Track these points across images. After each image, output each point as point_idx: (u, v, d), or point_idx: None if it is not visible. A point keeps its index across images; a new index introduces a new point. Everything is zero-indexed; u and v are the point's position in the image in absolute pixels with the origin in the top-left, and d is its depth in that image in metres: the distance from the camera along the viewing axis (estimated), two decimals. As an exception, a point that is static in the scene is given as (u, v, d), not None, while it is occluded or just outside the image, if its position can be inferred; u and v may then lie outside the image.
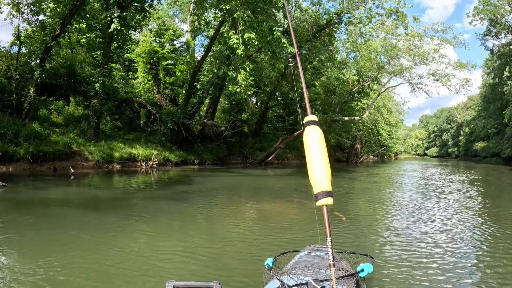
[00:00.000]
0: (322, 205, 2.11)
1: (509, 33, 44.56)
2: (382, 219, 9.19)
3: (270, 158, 33.39)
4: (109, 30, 21.28)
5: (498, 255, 5.97)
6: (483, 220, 9.07)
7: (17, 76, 21.91)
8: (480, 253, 6.23)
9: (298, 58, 3.01)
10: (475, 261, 5.73)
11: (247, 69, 24.27)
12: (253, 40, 19.55)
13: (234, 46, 19.72)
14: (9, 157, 16.87)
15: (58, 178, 15.83)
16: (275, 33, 19.82)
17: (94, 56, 25.83)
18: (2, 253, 5.35)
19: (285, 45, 20.07)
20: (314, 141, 2.21)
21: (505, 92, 50.58)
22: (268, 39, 20.32)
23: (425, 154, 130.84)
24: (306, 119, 2.34)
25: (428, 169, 34.15)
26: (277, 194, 14.87)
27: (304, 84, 2.74)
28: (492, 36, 46.62)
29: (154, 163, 23.93)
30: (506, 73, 49.94)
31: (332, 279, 2.23)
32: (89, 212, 8.87)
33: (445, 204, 11.54)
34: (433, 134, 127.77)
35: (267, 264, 3.64)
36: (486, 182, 21.85)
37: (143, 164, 23.37)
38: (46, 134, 19.69)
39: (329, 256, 2.07)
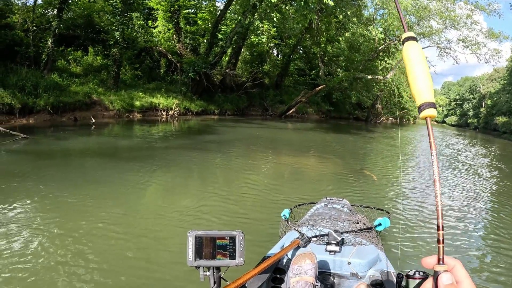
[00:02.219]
0: (426, 117, 1.79)
1: None
2: (400, 181, 9.28)
3: (290, 112, 33.00)
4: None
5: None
6: (496, 191, 9.25)
7: (34, 28, 21.34)
8: (489, 219, 6.57)
9: None
10: (484, 224, 6.12)
11: (275, 19, 23.53)
12: None
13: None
14: (29, 109, 16.52)
15: (79, 128, 15.65)
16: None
17: (113, 3, 25.24)
18: (25, 207, 5.30)
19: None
20: (415, 55, 1.78)
21: None
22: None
23: (444, 122, 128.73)
24: (405, 35, 1.98)
25: (447, 137, 33.37)
26: (296, 147, 14.81)
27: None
28: None
29: (175, 112, 23.68)
30: None
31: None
32: (110, 164, 8.73)
33: (461, 174, 11.51)
34: (454, 102, 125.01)
35: (284, 215, 3.61)
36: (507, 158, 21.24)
37: (164, 113, 23.20)
38: (66, 85, 19.30)
39: (434, 170, 1.71)
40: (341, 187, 7.78)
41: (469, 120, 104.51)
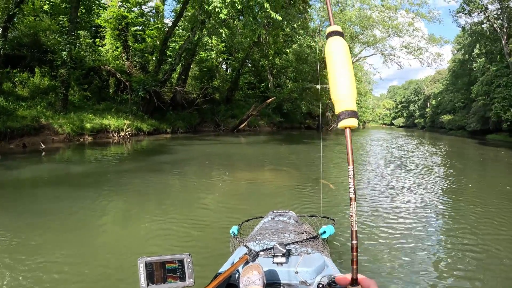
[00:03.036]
0: (346, 127, 1.74)
1: (482, 12, 45.45)
2: (346, 184, 9.36)
3: (242, 126, 33.23)
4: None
5: (457, 215, 6.74)
6: (445, 187, 9.76)
7: (-22, 49, 20.61)
8: (434, 216, 6.87)
9: None
10: (434, 225, 6.29)
11: (223, 35, 23.73)
12: (236, 4, 19.12)
13: (217, 9, 19.18)
14: (-26, 137, 16.10)
15: (29, 155, 15.21)
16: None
17: (60, 22, 24.73)
18: None
19: (267, 9, 19.61)
20: (338, 53, 1.78)
21: (474, 69, 52.20)
22: (251, 3, 19.89)
23: (392, 124, 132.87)
24: (329, 29, 1.88)
25: (397, 139, 34.46)
26: (250, 162, 15.00)
27: None
28: (465, 14, 47.48)
29: (127, 133, 23.48)
30: (476, 51, 51.51)
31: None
32: (62, 192, 8.55)
33: (410, 171, 12.18)
34: (401, 105, 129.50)
35: (233, 232, 3.68)
36: (458, 154, 22.24)
37: (115, 134, 22.92)
38: (12, 109, 18.72)
39: (350, 188, 1.70)
40: (294, 199, 7.98)
41: (416, 121, 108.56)
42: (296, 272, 2.75)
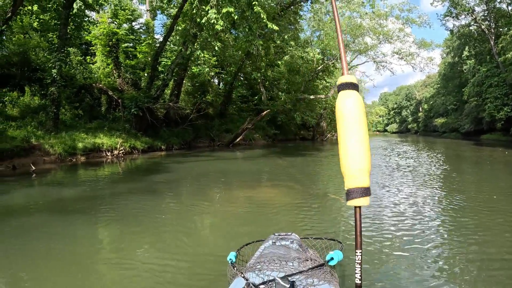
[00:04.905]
0: (356, 206, 1.57)
1: (469, 14, 46.25)
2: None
3: (238, 140, 32.89)
4: (73, 11, 20.13)
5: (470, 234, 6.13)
6: (450, 194, 9.39)
7: (-35, 68, 20.18)
8: (448, 229, 6.45)
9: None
10: (445, 239, 5.89)
11: (216, 48, 23.46)
12: (233, 15, 18.88)
13: (213, 21, 18.90)
14: (-39, 159, 15.56)
15: (19, 178, 14.71)
16: (255, 7, 19.14)
17: (50, 39, 24.36)
18: None
19: (264, 20, 19.34)
20: (352, 114, 1.59)
21: (464, 71, 53.32)
22: (246, 14, 19.65)
23: (385, 130, 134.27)
24: (341, 79, 1.73)
25: (392, 145, 34.37)
26: (248, 177, 14.63)
27: (341, 35, 2.19)
28: (453, 17, 48.34)
29: (120, 152, 23.05)
30: (465, 53, 52.89)
31: None
32: (53, 218, 8.18)
33: (412, 181, 11.79)
34: (393, 111, 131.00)
35: (230, 259, 3.32)
36: (458, 157, 22.10)
37: (109, 153, 22.49)
38: (2, 129, 18.28)
39: (356, 274, 1.78)
40: (296, 218, 7.56)
41: (409, 126, 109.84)
42: None
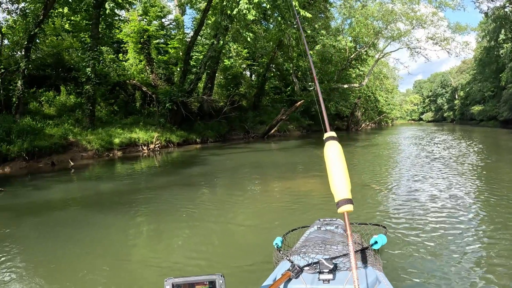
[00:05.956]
0: (344, 212, 2.22)
1: None
2: (392, 188, 9.03)
3: (273, 131, 32.63)
4: (106, 11, 20.33)
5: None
6: (491, 186, 8.78)
7: (2, 70, 20.57)
8: (487, 218, 6.13)
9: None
10: (484, 228, 5.62)
11: (248, 39, 23.29)
12: (264, 3, 18.70)
13: (244, 12, 18.74)
14: (2, 157, 15.73)
15: (58, 174, 14.84)
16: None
17: (82, 39, 24.69)
18: (7, 276, 4.70)
19: (296, 8, 19.04)
20: (334, 155, 2.37)
21: (501, 55, 50.79)
22: (278, 2, 19.44)
23: (420, 119, 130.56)
24: (326, 135, 2.49)
25: (429, 135, 33.12)
26: (283, 168, 14.43)
27: (323, 103, 2.85)
28: None
29: (156, 146, 23.15)
30: (501, 36, 49.96)
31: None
32: (93, 212, 8.13)
33: (451, 170, 11.22)
34: (428, 99, 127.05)
35: (276, 243, 3.50)
36: (498, 147, 21.30)
37: (145, 148, 22.63)
38: (40, 128, 18.48)
39: (351, 258, 2.05)
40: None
41: (445, 114, 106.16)
42: None
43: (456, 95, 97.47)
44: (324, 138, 2.49)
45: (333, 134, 2.46)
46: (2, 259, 5.25)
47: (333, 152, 2.38)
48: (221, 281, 1.79)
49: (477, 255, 4.47)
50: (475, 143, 20.61)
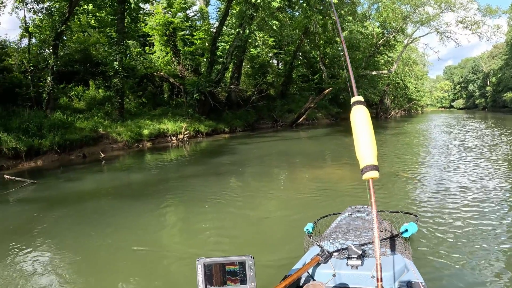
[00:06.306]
0: (368, 178, 2.16)
1: None
2: (422, 178, 8.81)
3: (301, 119, 32.38)
4: (131, 6, 20.49)
5: None
6: None
7: (32, 68, 21.05)
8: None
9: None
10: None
11: (274, 27, 23.12)
12: None
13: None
14: (35, 151, 15.92)
15: (89, 165, 15.03)
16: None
17: (108, 34, 24.94)
18: (41, 263, 4.84)
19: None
20: (361, 120, 2.29)
21: None
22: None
23: (451, 107, 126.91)
24: (353, 99, 2.40)
25: (460, 123, 32.12)
26: (312, 157, 14.33)
27: (350, 66, 2.67)
28: None
29: (185, 136, 23.27)
30: None
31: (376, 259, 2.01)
32: (125, 202, 8.23)
33: (483, 161, 10.80)
34: (459, 86, 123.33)
35: (307, 229, 3.64)
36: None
37: (174, 138, 22.72)
38: (70, 122, 18.83)
39: (373, 226, 2.02)
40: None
41: (477, 101, 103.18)
42: (372, 277, 2.57)
43: (488, 81, 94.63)
44: (351, 103, 2.45)
45: (360, 98, 2.40)
46: (39, 247, 5.35)
47: (360, 117, 2.31)
48: (250, 262, 1.84)
49: (510, 254, 4.30)
50: (509, 132, 19.85)
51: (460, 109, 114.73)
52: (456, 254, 4.26)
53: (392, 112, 56.62)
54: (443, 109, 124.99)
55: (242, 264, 1.85)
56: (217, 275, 1.83)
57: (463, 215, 5.58)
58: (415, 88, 70.13)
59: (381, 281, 1.67)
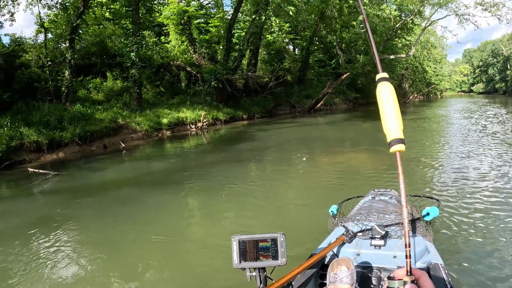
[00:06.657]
0: (395, 151, 2.16)
1: None
2: (442, 164, 8.83)
3: (319, 105, 32.15)
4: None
5: None
6: None
7: (49, 63, 21.29)
8: None
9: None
10: None
11: (290, 13, 22.92)
12: None
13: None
14: (56, 144, 16.16)
15: (110, 155, 15.19)
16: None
17: (123, 26, 25.02)
18: (68, 250, 5.06)
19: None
20: (386, 95, 2.29)
21: None
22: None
23: (471, 91, 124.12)
24: (378, 76, 2.37)
25: (480, 107, 31.40)
26: (332, 142, 14.44)
27: (374, 44, 2.59)
28: None
29: (204, 124, 23.30)
30: None
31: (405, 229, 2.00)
32: (147, 190, 8.35)
33: (504, 147, 10.70)
34: (478, 69, 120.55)
35: (332, 211, 3.69)
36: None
37: (193, 126, 22.76)
38: (90, 113, 19.00)
39: (402, 199, 1.99)
40: (393, 177, 7.22)
41: (497, 85, 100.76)
42: (394, 257, 2.72)
43: (508, 65, 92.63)
44: (376, 80, 2.42)
45: (385, 75, 2.39)
46: (64, 237, 5.49)
47: (385, 92, 2.31)
48: (282, 239, 1.89)
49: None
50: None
51: (480, 93, 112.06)
52: (476, 239, 4.35)
53: (411, 97, 55.90)
54: (462, 93, 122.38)
55: (274, 241, 1.90)
56: (251, 251, 1.90)
57: (484, 202, 5.60)
58: (434, 72, 69.09)
59: (410, 257, 1.66)
